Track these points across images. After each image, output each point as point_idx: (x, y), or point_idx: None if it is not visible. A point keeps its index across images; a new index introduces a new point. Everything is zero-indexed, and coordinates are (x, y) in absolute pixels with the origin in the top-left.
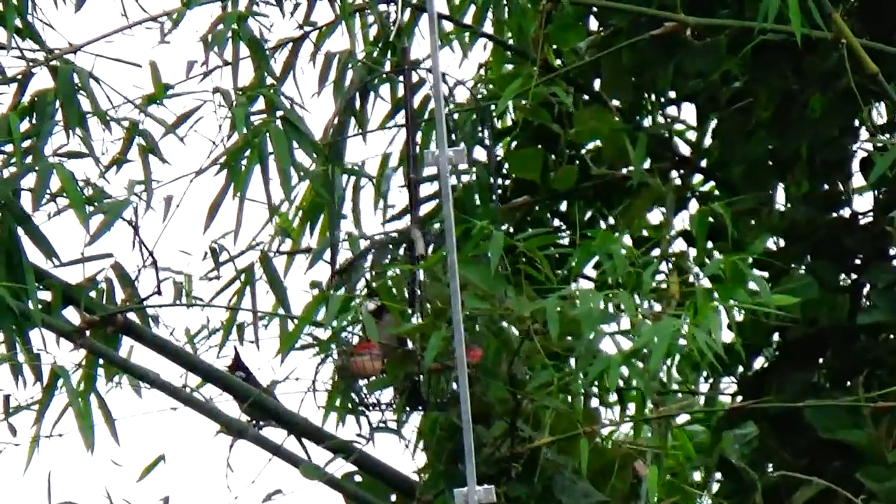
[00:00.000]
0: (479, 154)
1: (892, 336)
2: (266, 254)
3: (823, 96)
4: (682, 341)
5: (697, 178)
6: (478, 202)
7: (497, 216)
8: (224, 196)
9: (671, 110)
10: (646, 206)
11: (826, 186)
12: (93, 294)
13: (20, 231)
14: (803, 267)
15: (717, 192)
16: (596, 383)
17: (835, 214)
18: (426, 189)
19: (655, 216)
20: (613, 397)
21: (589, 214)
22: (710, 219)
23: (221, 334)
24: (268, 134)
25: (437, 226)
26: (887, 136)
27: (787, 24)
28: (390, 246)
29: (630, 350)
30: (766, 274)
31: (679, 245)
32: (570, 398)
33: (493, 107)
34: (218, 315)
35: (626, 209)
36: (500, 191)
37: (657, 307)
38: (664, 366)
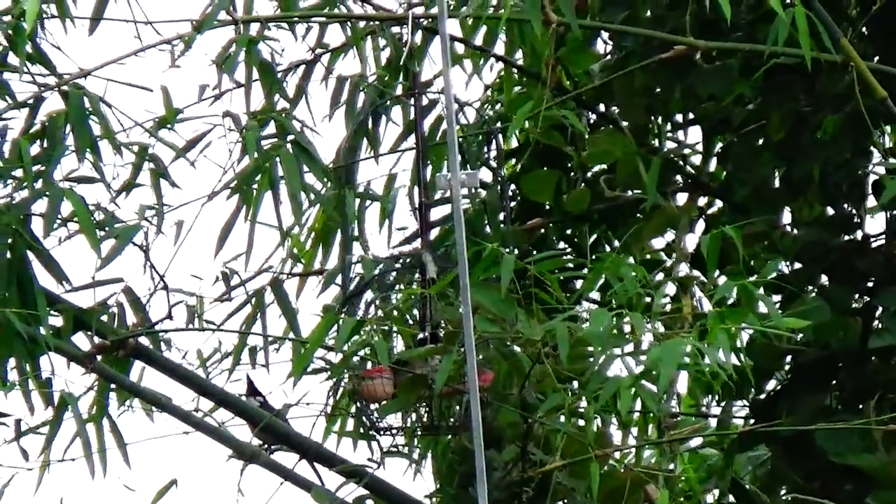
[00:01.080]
0: (485, 175)
1: None
2: (277, 278)
3: (836, 118)
4: (689, 360)
5: (703, 200)
6: (487, 225)
7: (507, 238)
8: (235, 220)
9: (682, 134)
10: (659, 229)
11: (838, 209)
12: (104, 319)
13: (31, 256)
14: (815, 290)
15: (724, 215)
16: (607, 406)
17: (847, 237)
18: (436, 212)
19: (659, 239)
20: (627, 419)
21: (594, 238)
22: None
23: (232, 358)
24: (278, 158)
25: (445, 248)
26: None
27: (798, 47)
28: (401, 269)
29: (640, 373)
30: (778, 297)
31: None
32: (581, 422)
33: (500, 128)
34: (230, 339)
35: (638, 232)
36: (511, 213)
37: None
38: (675, 390)
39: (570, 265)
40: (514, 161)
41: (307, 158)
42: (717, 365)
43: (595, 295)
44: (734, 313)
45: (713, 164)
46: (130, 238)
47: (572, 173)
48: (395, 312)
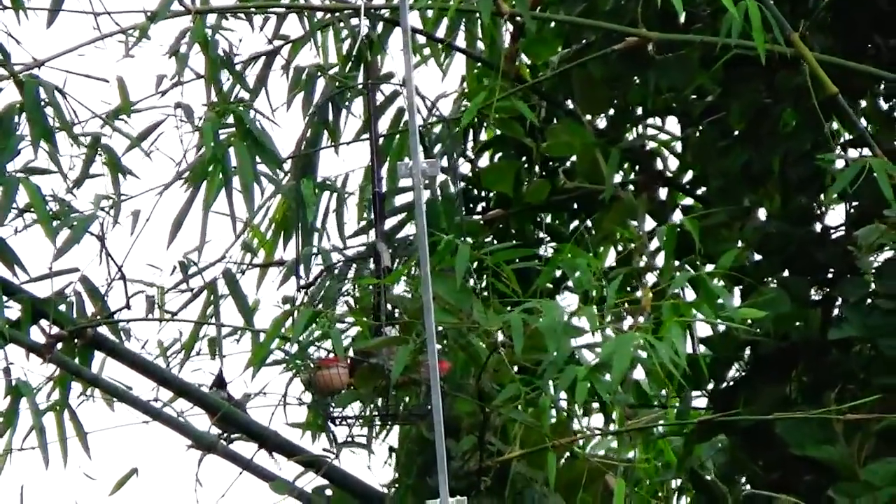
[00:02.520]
0: (463, 167)
1: (863, 350)
2: (229, 269)
3: (796, 111)
4: (644, 354)
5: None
6: (445, 215)
7: (462, 229)
8: (188, 211)
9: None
10: (618, 219)
11: (798, 201)
12: (62, 308)
13: None
14: (775, 281)
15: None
16: (564, 396)
17: (807, 229)
18: (400, 199)
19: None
20: (588, 407)
21: (574, 225)
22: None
23: (185, 348)
24: (232, 150)
25: (403, 238)
26: (852, 152)
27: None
28: (356, 260)
29: (594, 365)
30: (738, 288)
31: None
32: (539, 411)
33: (453, 118)
34: (190, 329)
35: (599, 222)
36: (483, 203)
37: (631, 320)
38: (635, 380)
39: (527, 256)
40: (487, 152)
41: (261, 150)
42: (668, 359)
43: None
44: (688, 305)
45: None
46: (86, 228)
47: (541, 164)
48: (352, 303)
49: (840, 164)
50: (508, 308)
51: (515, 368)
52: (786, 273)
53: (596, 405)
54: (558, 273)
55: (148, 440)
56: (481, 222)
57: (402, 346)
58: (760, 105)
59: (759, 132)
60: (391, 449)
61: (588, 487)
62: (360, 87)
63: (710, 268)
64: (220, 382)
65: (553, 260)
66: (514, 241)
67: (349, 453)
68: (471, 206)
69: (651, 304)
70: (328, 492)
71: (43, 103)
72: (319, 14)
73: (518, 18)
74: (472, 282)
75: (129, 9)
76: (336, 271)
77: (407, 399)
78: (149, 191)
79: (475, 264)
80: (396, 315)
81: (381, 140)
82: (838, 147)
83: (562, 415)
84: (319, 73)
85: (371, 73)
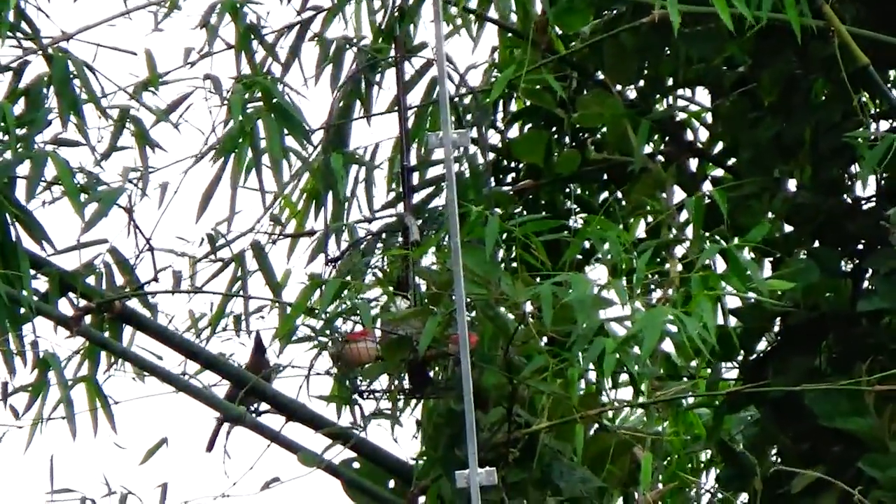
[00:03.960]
0: (493, 139)
1: (893, 322)
2: (258, 241)
3: (827, 82)
4: (674, 329)
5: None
6: (473, 187)
7: (491, 201)
8: (217, 183)
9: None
10: (647, 191)
11: (829, 172)
12: (91, 281)
13: (15, 220)
14: (805, 252)
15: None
16: (593, 368)
17: (837, 200)
18: (425, 174)
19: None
20: (617, 380)
21: (604, 196)
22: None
23: (211, 321)
24: (260, 123)
25: (431, 211)
26: (882, 123)
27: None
28: (384, 233)
29: (623, 337)
30: (768, 259)
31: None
32: (567, 383)
33: (483, 88)
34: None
35: (628, 194)
36: (512, 175)
37: (660, 292)
38: (664, 352)
39: (556, 228)
40: (516, 125)
41: (289, 124)
42: (697, 334)
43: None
44: (716, 277)
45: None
46: (114, 201)
47: (572, 134)
48: (381, 275)
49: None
50: (537, 280)
51: (544, 340)
52: (816, 244)
53: (625, 377)
54: (587, 245)
55: (175, 413)
56: (511, 193)
57: (429, 319)
58: (791, 76)
59: (789, 103)
60: (418, 422)
61: (616, 460)
62: (395, 59)
63: (738, 240)
64: (259, 348)
65: (582, 232)
66: (544, 213)
67: (377, 427)
68: (501, 177)
69: (680, 277)
70: (356, 464)
71: (71, 76)
72: None
73: None
74: (500, 254)
75: None
76: (364, 245)
77: (436, 371)
78: (176, 163)
79: (504, 236)
80: (424, 288)
81: (411, 112)
82: (870, 119)
83: (590, 387)
84: (348, 46)
85: (402, 45)
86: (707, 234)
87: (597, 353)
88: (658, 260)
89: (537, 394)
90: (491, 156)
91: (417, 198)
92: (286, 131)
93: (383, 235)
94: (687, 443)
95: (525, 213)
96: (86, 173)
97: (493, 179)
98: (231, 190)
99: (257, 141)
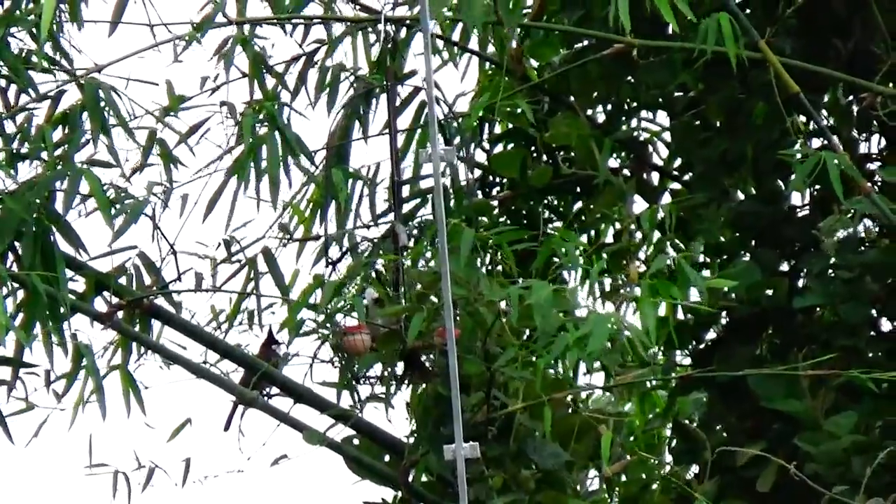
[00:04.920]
0: (480, 157)
1: (825, 315)
2: (268, 248)
3: (767, 104)
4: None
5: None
6: (457, 200)
7: (472, 211)
8: (220, 195)
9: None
10: (611, 201)
11: (768, 184)
12: (123, 281)
13: (54, 229)
14: (748, 254)
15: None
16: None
17: (777, 208)
18: (419, 186)
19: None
20: (591, 366)
21: (577, 206)
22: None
23: (229, 316)
24: (264, 147)
25: (417, 221)
26: (815, 141)
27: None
28: (379, 240)
29: (576, 336)
30: (717, 260)
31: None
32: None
33: (460, 113)
34: (240, 299)
35: (594, 204)
36: (498, 188)
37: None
38: (624, 343)
39: (532, 236)
40: (500, 144)
41: (290, 148)
42: (636, 336)
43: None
44: (663, 285)
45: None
46: (141, 211)
47: (538, 153)
48: (374, 276)
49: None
50: (511, 282)
51: (526, 334)
52: (757, 247)
53: (598, 364)
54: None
55: (198, 395)
56: (493, 203)
57: (416, 314)
58: (735, 100)
59: (734, 124)
60: (407, 404)
61: (582, 437)
62: (387, 86)
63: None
64: (270, 339)
65: (547, 242)
66: (524, 221)
67: (374, 409)
68: (488, 190)
69: (638, 277)
70: (356, 441)
71: (101, 103)
72: (341, 24)
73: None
74: (479, 259)
75: (177, 20)
76: (360, 249)
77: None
78: (195, 178)
79: (484, 243)
80: (419, 287)
81: (402, 133)
82: (803, 137)
83: (563, 373)
84: (345, 74)
85: (393, 74)
86: (665, 238)
87: (560, 349)
88: (625, 262)
89: (512, 379)
90: (478, 172)
91: (407, 208)
92: (290, 151)
93: (376, 241)
94: (649, 421)
95: (508, 220)
96: (115, 188)
97: (481, 192)
98: (233, 201)
99: (259, 161)
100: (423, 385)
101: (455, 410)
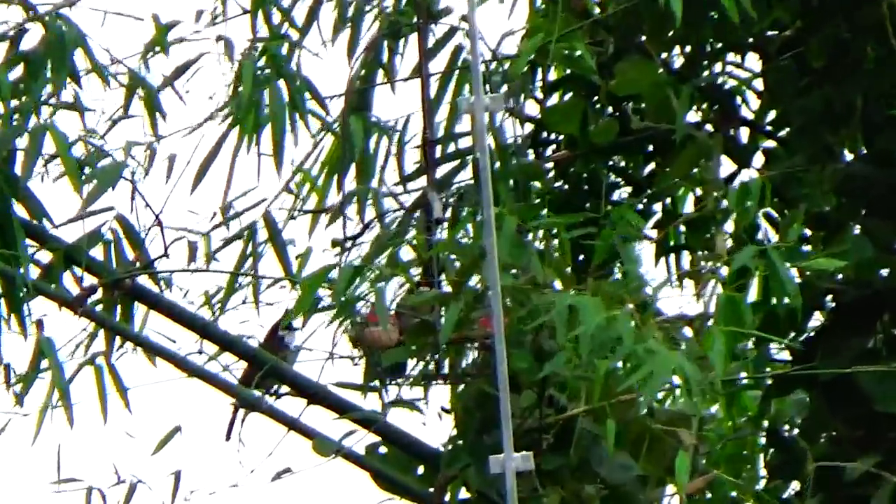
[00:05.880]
0: (531, 109)
1: None
2: (269, 213)
3: (877, 47)
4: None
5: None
6: (501, 162)
7: (519, 176)
8: (216, 155)
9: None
10: (691, 161)
11: (883, 142)
12: (99, 255)
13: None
14: (857, 226)
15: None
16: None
17: (892, 171)
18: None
19: None
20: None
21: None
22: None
23: (221, 298)
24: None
25: (454, 188)
26: None
27: None
28: (406, 211)
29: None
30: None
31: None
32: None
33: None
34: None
35: (671, 165)
36: (553, 147)
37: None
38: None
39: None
40: (555, 94)
41: (298, 98)
42: (697, 386)
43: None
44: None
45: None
46: (116, 178)
47: (601, 104)
48: (404, 257)
49: None
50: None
51: None
52: (868, 218)
53: None
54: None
55: (190, 397)
56: (547, 165)
57: (452, 303)
58: (841, 40)
59: (839, 69)
60: (443, 409)
61: (657, 446)
62: (415, 24)
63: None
64: (277, 327)
65: (605, 234)
66: (584, 186)
67: (404, 412)
68: (540, 149)
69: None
70: (382, 449)
71: (71, 44)
72: None
73: None
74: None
75: None
76: (389, 221)
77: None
78: (182, 130)
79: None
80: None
81: (435, 80)
82: None
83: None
84: (368, 8)
85: (425, 10)
86: (753, 209)
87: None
88: (707, 235)
89: (573, 377)
90: (529, 128)
91: (442, 172)
92: (297, 103)
93: (404, 212)
94: (739, 428)
95: (564, 185)
96: (88, 144)
97: (532, 152)
98: (231, 163)
99: (261, 111)
100: (464, 384)
101: (503, 413)
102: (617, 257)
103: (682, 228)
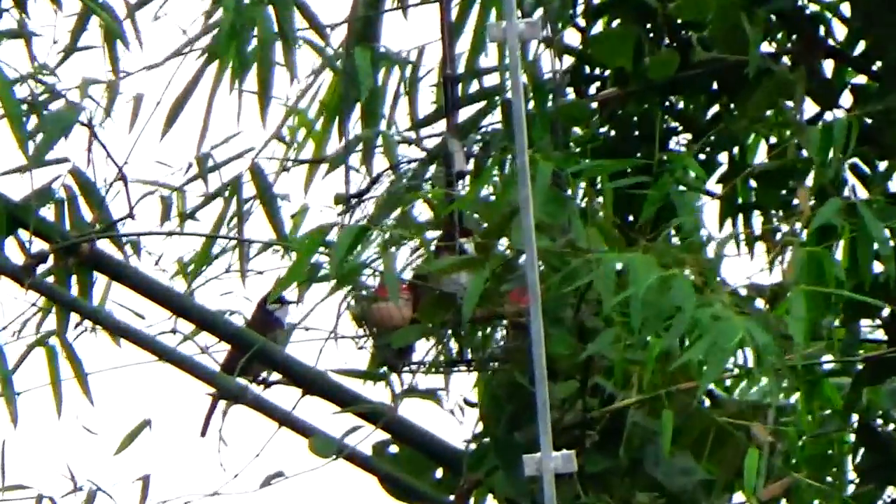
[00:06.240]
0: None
1: None
2: (258, 165)
3: None
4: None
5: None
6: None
7: (558, 118)
8: (192, 93)
9: None
10: (767, 100)
11: None
12: (51, 215)
13: None
14: None
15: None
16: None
17: None
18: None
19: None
20: None
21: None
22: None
23: (196, 264)
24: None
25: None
26: None
27: None
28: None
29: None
30: None
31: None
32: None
33: None
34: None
35: (742, 105)
36: (597, 84)
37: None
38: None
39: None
40: (602, 20)
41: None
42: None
43: None
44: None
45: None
46: (70, 125)
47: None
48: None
49: None
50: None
51: None
52: None
53: None
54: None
55: (164, 384)
56: (592, 106)
57: (477, 270)
58: None
59: None
60: (466, 401)
61: (723, 445)
62: None
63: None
64: (279, 298)
65: (661, 183)
66: (635, 131)
67: (419, 404)
68: (583, 87)
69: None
70: (392, 448)
71: None
72: None
73: None
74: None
75: None
76: (400, 170)
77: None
78: (148, 67)
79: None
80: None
81: (456, 2)
82: None
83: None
84: None
85: None
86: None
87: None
88: (784, 191)
89: (622, 362)
90: (570, 61)
91: (464, 115)
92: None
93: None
94: (822, 422)
95: (612, 131)
96: (36, 82)
97: (573, 90)
98: (208, 100)
99: (247, 41)
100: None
101: (540, 402)
102: (673, 215)
103: (753, 183)
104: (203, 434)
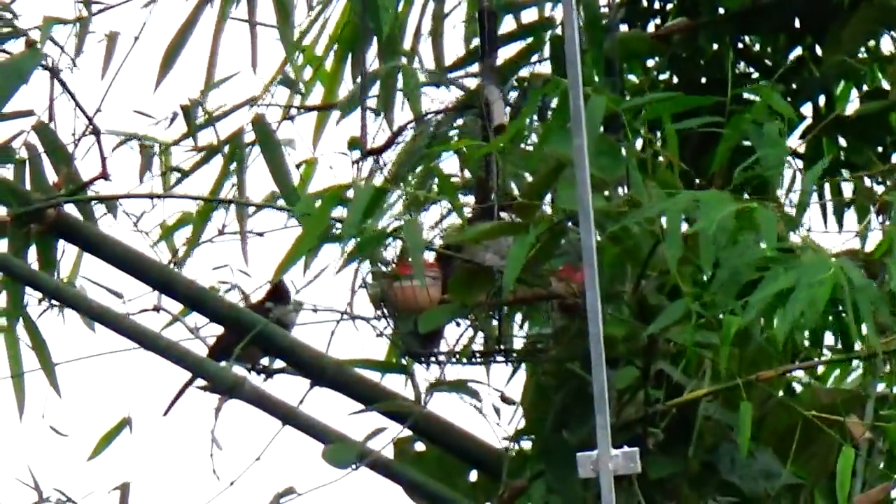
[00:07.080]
0: None
1: None
2: (262, 117)
3: None
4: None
5: None
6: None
7: (614, 54)
8: (191, 30)
9: None
10: (863, 33)
11: None
12: (10, 177)
13: None
14: None
15: None
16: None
17: None
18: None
19: None
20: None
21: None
22: None
23: (192, 233)
24: None
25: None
26: None
27: None
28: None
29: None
30: None
31: None
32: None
33: None
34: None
35: (827, 45)
36: (656, 17)
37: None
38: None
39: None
40: None
41: None
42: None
43: None
44: None
45: None
46: (30, 70)
47: None
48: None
49: None
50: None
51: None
52: None
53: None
54: None
55: (146, 374)
56: (653, 41)
57: (518, 238)
58: None
59: None
60: (504, 397)
61: (811, 443)
62: None
63: None
64: (279, 294)
65: (737, 121)
66: (703, 74)
67: (451, 399)
68: (641, 20)
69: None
70: (419, 446)
71: None
72: None
73: None
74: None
75: None
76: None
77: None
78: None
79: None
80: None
81: None
82: None
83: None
84: None
85: None
86: None
87: (758, 308)
88: (880, 148)
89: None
90: None
91: (504, 56)
92: None
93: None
94: None
95: (674, 77)
96: None
97: (627, 24)
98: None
99: None
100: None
101: (598, 394)
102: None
103: (843, 142)
104: (165, 413)
